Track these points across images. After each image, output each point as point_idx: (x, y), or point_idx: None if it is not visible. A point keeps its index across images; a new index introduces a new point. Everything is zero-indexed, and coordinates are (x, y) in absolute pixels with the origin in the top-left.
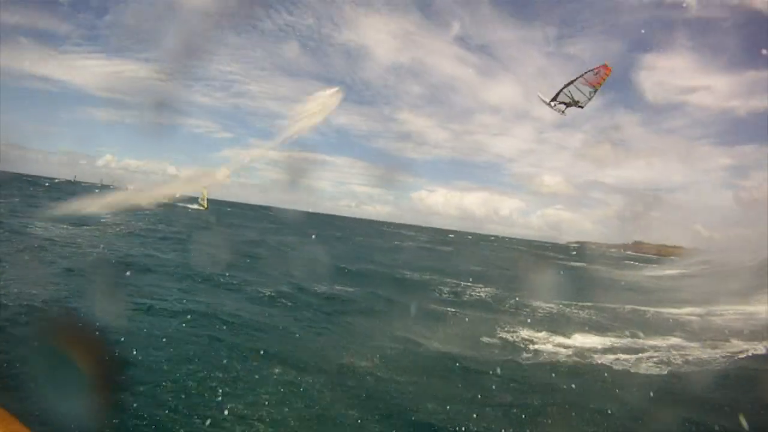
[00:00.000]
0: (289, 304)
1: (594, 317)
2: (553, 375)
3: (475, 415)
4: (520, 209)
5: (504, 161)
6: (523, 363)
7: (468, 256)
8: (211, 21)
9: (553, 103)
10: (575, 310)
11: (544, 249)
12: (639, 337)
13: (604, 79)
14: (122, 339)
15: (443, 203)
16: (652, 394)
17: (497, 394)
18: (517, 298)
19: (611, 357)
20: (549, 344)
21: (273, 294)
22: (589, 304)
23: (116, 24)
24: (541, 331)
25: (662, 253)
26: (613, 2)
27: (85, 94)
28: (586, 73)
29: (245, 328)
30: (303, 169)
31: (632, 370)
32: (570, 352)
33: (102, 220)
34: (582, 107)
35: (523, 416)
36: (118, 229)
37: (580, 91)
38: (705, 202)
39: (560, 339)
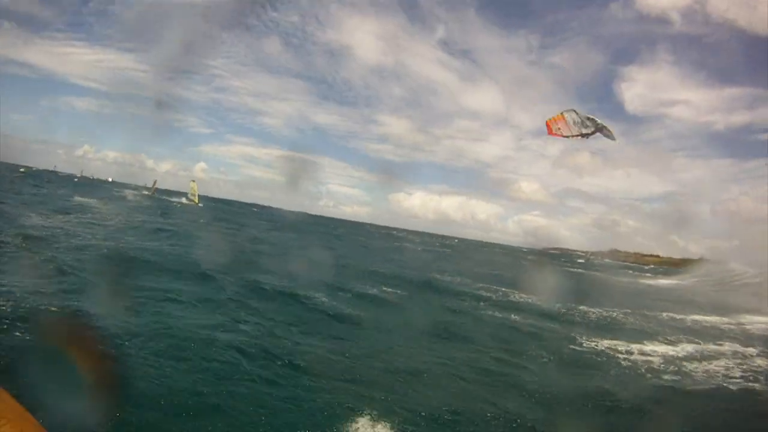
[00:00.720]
0: (355, 311)
1: (644, 323)
2: (673, 390)
3: None
4: (497, 214)
5: (482, 166)
6: (633, 375)
7: (474, 260)
8: (200, 15)
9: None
10: (621, 316)
11: (532, 254)
12: (699, 344)
13: (556, 120)
14: (128, 350)
15: (421, 206)
16: None
17: (638, 416)
18: (560, 303)
19: (700, 366)
20: (636, 354)
21: (322, 298)
22: (628, 310)
23: (101, 11)
24: (616, 339)
25: (640, 261)
26: (597, 14)
27: (65, 83)
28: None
29: (305, 343)
30: (284, 168)
31: (744, 385)
32: (660, 360)
33: (94, 209)
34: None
35: None
36: (115, 221)
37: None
38: (681, 213)
39: (638, 346)
